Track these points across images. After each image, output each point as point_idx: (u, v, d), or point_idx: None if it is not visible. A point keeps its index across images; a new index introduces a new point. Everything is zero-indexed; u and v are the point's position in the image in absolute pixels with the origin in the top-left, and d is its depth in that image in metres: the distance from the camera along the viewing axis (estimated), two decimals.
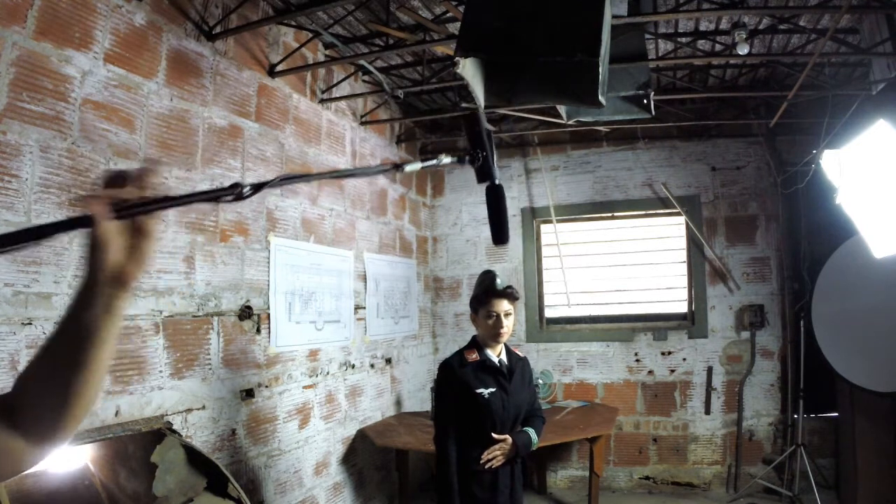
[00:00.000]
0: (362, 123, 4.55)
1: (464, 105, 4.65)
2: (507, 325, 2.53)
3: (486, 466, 2.45)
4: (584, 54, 2.04)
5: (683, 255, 5.27)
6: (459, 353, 2.59)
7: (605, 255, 5.46)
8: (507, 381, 2.53)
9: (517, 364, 2.63)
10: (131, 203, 0.74)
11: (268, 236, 3.41)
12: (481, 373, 2.51)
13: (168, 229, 2.71)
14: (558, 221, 5.46)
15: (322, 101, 4.04)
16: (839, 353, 4.06)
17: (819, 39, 3.50)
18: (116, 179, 0.73)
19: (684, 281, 5.27)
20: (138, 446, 2.45)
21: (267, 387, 3.34)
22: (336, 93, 4.17)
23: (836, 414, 4.67)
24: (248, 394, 3.19)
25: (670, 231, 5.36)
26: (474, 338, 2.62)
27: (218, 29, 3.07)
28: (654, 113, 3.30)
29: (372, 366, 4.55)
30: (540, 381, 5.14)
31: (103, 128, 2.45)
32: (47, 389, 0.77)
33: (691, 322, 5.19)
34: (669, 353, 5.16)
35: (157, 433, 2.48)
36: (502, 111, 4.61)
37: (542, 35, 2.11)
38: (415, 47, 3.52)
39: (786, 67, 4.35)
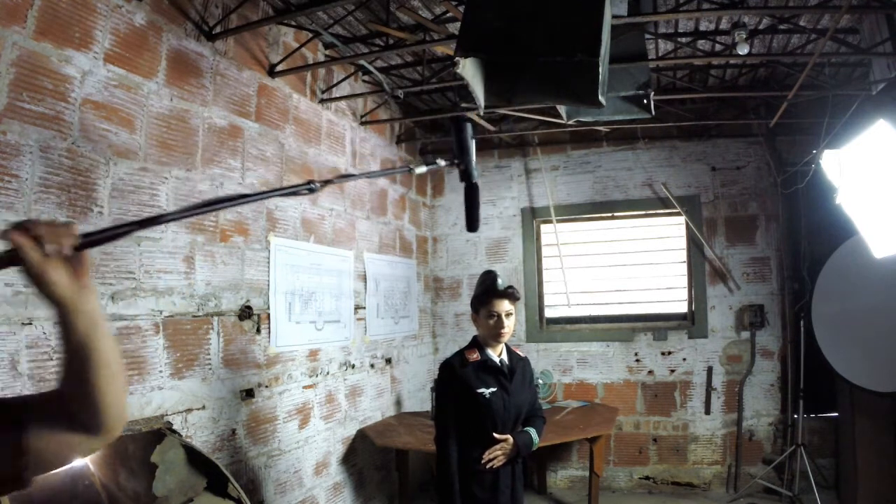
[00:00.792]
0: (362, 123, 4.55)
1: (463, 105, 4.65)
2: (508, 324, 2.53)
3: (487, 466, 2.45)
4: (584, 54, 2.04)
5: (683, 255, 5.28)
6: (460, 353, 2.59)
7: (605, 255, 5.46)
8: (507, 381, 2.53)
9: (518, 364, 2.63)
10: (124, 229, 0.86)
11: (268, 236, 3.41)
12: (482, 373, 2.51)
13: (168, 229, 2.71)
14: (558, 221, 5.46)
15: (322, 101, 4.04)
16: (839, 353, 4.06)
17: (819, 39, 3.50)
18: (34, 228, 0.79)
19: (684, 281, 5.27)
20: (138, 446, 2.45)
21: (267, 387, 3.34)
22: (336, 93, 4.17)
23: (836, 414, 4.67)
24: (248, 394, 3.19)
25: (670, 231, 5.36)
26: (475, 338, 2.62)
27: (218, 29, 3.07)
28: (654, 113, 3.31)
29: (372, 366, 4.55)
30: (540, 381, 5.14)
31: (103, 128, 2.45)
32: (77, 390, 0.87)
33: (691, 322, 5.19)
34: (669, 353, 5.16)
35: (157, 433, 2.48)
36: (502, 111, 4.61)
37: (542, 35, 2.11)
38: (415, 47, 3.52)
39: (786, 67, 4.35)
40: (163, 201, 2.71)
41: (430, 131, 5.69)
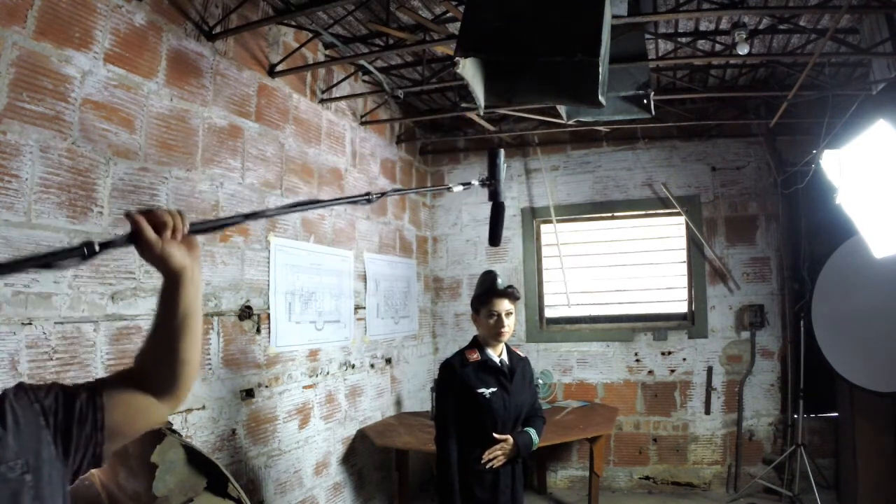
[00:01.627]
0: (362, 123, 4.55)
1: (463, 105, 4.65)
2: (509, 324, 2.53)
3: (487, 466, 2.45)
4: (584, 54, 2.04)
5: (683, 255, 5.27)
6: (460, 353, 2.59)
7: (605, 255, 5.46)
8: (508, 381, 2.53)
9: (518, 364, 2.63)
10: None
11: (268, 236, 3.41)
12: (482, 373, 2.51)
13: None
14: (558, 221, 5.46)
15: (322, 101, 4.04)
16: (839, 353, 4.07)
17: (819, 39, 3.50)
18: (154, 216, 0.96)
19: (684, 281, 5.27)
20: (138, 446, 2.45)
21: (267, 387, 3.34)
22: (336, 93, 4.17)
23: (836, 414, 4.67)
24: (248, 394, 3.19)
25: (670, 231, 5.36)
26: (475, 338, 2.63)
27: (218, 29, 3.07)
28: (654, 113, 3.30)
29: (372, 366, 4.55)
30: (540, 381, 5.14)
31: (103, 128, 2.45)
32: (161, 359, 1.03)
33: (691, 322, 5.19)
34: (669, 353, 5.16)
35: (157, 433, 2.47)
36: (502, 111, 4.61)
37: (542, 35, 2.11)
38: (415, 47, 3.52)
39: (786, 67, 4.35)
40: (163, 201, 2.72)
41: (430, 131, 5.69)
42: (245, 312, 3.19)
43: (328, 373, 3.95)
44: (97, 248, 0.84)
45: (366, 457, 4.34)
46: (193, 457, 2.46)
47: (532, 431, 2.58)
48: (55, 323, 2.20)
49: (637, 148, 5.36)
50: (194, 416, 2.82)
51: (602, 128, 5.04)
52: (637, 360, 5.23)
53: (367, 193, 1.10)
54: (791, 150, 4.96)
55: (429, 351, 5.63)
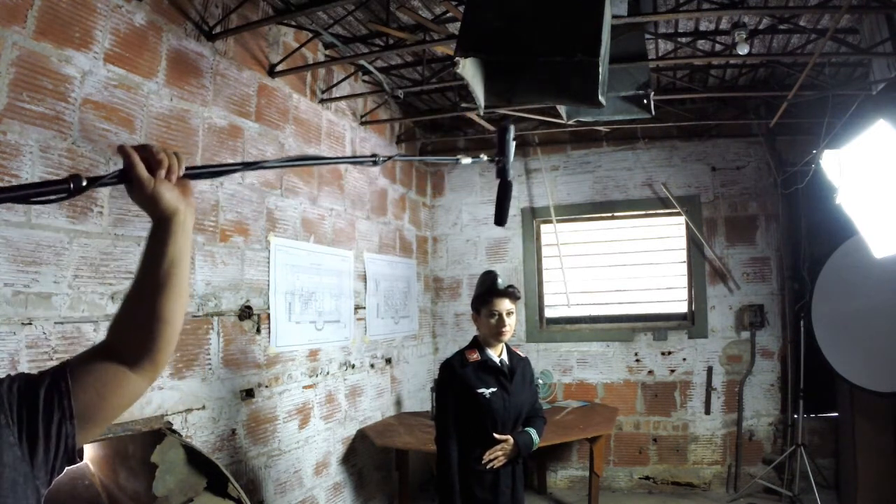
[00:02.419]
0: (362, 123, 4.55)
1: (463, 105, 4.65)
2: (509, 324, 2.53)
3: (488, 466, 2.45)
4: (584, 54, 2.04)
5: (683, 255, 5.28)
6: (460, 353, 2.59)
7: (605, 255, 5.46)
8: (508, 381, 2.53)
9: (518, 364, 2.63)
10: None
11: (268, 236, 3.41)
12: (482, 373, 2.51)
13: None
14: (558, 221, 5.46)
15: (322, 101, 4.04)
16: (839, 353, 4.07)
17: (819, 39, 3.50)
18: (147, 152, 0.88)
19: (684, 281, 5.27)
20: (138, 446, 2.45)
21: (267, 387, 3.33)
22: (336, 93, 4.17)
23: (836, 414, 4.67)
24: (248, 394, 3.19)
25: (670, 231, 5.36)
26: (475, 338, 2.63)
27: (218, 29, 3.07)
28: (654, 113, 3.31)
29: (372, 366, 4.55)
30: (540, 381, 5.14)
31: (103, 128, 2.45)
32: (140, 317, 0.91)
33: (691, 322, 5.19)
34: (669, 353, 5.16)
35: (157, 433, 2.48)
36: (502, 111, 4.61)
37: (542, 35, 2.11)
38: (415, 47, 3.52)
39: (786, 67, 4.35)
40: None
41: (430, 131, 5.69)
42: (245, 312, 3.19)
43: (328, 373, 3.95)
44: (84, 182, 0.79)
45: (366, 457, 4.34)
46: (193, 457, 2.46)
47: (532, 431, 2.58)
48: (55, 323, 2.20)
49: (637, 148, 5.36)
50: (194, 416, 2.82)
51: (602, 128, 5.04)
52: (637, 360, 5.23)
53: (374, 155, 1.08)
54: (791, 150, 4.97)
55: (429, 351, 5.63)
